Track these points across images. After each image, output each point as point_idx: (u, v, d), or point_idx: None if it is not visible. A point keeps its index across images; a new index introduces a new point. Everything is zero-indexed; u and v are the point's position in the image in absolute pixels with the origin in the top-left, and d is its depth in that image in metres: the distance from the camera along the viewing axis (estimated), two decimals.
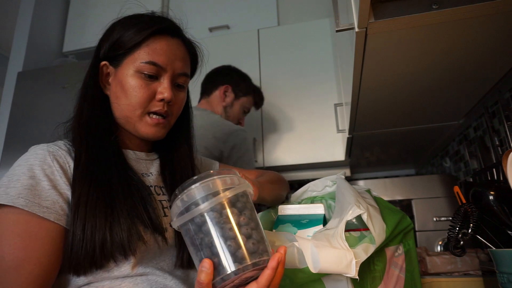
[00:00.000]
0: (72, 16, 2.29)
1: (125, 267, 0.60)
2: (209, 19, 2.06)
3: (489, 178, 0.80)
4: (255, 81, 1.87)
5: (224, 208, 0.45)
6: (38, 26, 2.17)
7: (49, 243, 0.57)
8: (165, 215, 0.70)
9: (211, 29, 2.03)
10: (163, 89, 0.69)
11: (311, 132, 1.74)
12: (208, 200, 0.45)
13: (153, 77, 0.69)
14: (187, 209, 0.46)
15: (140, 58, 0.68)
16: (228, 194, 0.46)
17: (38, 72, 1.94)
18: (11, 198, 0.55)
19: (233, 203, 0.46)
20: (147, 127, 0.70)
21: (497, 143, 0.90)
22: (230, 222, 0.45)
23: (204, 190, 0.46)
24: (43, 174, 0.59)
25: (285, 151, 1.76)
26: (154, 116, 0.70)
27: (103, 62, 0.71)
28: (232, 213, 0.45)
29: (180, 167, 0.78)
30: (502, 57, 0.76)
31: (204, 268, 0.43)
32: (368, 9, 0.57)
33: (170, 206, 0.50)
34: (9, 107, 1.91)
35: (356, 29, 0.62)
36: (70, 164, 0.63)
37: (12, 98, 1.93)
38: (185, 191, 0.47)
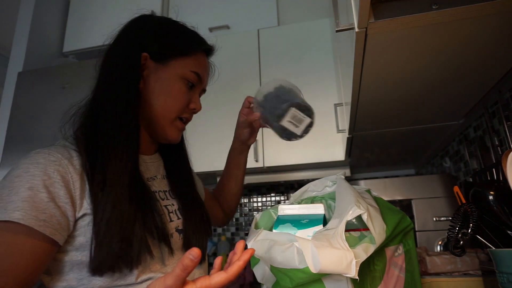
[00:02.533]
0: (72, 16, 2.29)
1: (130, 278, 0.60)
2: (209, 19, 2.06)
3: (489, 178, 0.80)
4: (255, 81, 1.88)
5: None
6: (38, 26, 2.16)
7: (31, 260, 0.54)
8: (171, 220, 0.69)
9: (211, 29, 2.03)
10: (197, 100, 0.76)
11: (311, 132, 1.74)
12: (296, 100, 0.81)
13: (191, 87, 0.73)
14: (283, 95, 0.80)
15: (189, 66, 0.72)
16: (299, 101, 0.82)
17: (38, 72, 1.94)
18: (8, 213, 0.53)
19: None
20: (175, 131, 0.73)
21: (497, 143, 0.90)
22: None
23: (298, 95, 0.84)
24: (43, 185, 0.56)
25: (285, 151, 1.76)
26: (181, 122, 0.74)
27: (145, 54, 0.69)
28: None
29: (184, 168, 0.81)
30: (502, 57, 0.76)
31: (192, 256, 0.42)
32: (368, 9, 0.57)
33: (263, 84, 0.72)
34: (9, 107, 1.91)
35: (356, 29, 0.62)
36: (72, 174, 0.59)
37: (12, 98, 1.93)
38: (287, 83, 0.82)
